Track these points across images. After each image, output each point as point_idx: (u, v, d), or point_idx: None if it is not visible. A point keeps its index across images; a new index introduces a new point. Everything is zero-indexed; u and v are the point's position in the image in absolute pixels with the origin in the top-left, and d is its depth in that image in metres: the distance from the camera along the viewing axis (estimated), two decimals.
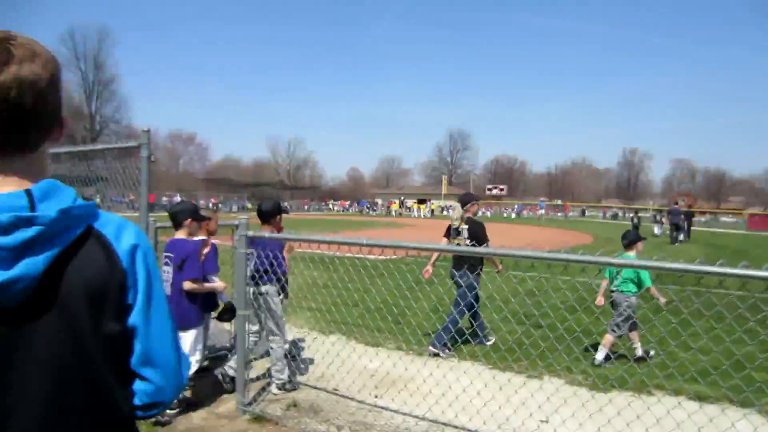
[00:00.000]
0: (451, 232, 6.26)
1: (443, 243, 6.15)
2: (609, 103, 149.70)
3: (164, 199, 57.55)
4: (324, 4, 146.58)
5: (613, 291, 5.70)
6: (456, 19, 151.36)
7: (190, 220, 4.23)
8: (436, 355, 5.72)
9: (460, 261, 5.99)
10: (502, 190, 78.18)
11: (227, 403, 4.31)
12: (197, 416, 4.15)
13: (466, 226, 6.15)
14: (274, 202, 4.87)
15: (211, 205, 60.28)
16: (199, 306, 4.16)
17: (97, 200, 5.77)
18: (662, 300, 5.46)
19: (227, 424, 4.00)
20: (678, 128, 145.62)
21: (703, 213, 66.18)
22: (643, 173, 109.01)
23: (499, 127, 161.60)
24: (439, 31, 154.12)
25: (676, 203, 25.69)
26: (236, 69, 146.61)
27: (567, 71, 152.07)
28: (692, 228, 25.93)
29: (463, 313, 5.93)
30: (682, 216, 23.31)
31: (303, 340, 6.30)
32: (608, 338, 5.56)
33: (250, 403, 4.20)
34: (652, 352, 5.68)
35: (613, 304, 5.73)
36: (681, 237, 25.06)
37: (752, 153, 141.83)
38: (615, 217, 64.97)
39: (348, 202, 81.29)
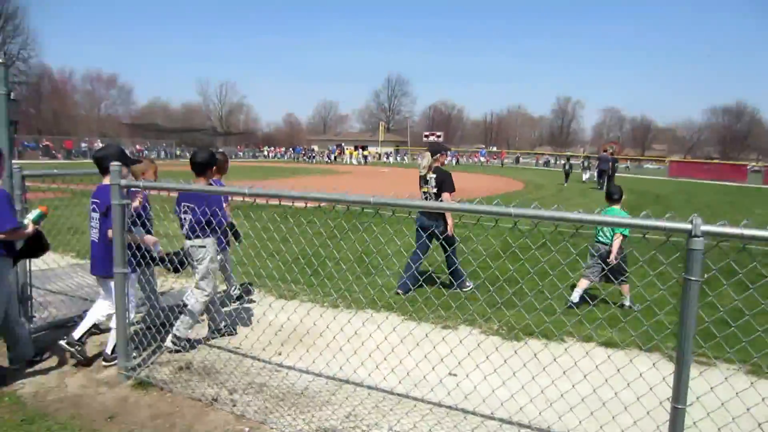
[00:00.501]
0: (420, 181, 6.35)
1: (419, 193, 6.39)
2: (545, 51, 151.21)
3: (83, 145, 54.06)
4: None
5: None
6: None
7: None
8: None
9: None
10: (439, 136, 78.19)
11: (112, 368, 3.88)
12: (74, 382, 3.71)
13: (434, 175, 6.19)
14: (209, 152, 4.51)
15: (135, 152, 57.38)
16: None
17: None
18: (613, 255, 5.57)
19: (107, 392, 3.59)
20: (609, 77, 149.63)
21: (627, 160, 69.05)
22: (575, 121, 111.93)
23: (437, 74, 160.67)
24: None
25: (605, 151, 26.48)
26: (164, 7, 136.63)
27: (505, 18, 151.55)
28: (617, 174, 26.88)
29: (419, 258, 6.13)
30: (610, 163, 24.13)
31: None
32: (582, 281, 5.73)
33: (134, 368, 3.79)
34: (637, 305, 5.69)
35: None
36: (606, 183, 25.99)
37: (676, 102, 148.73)
38: (547, 164, 66.75)
39: (284, 149, 79.30)
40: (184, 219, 4.36)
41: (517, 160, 72.01)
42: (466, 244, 8.44)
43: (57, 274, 6.43)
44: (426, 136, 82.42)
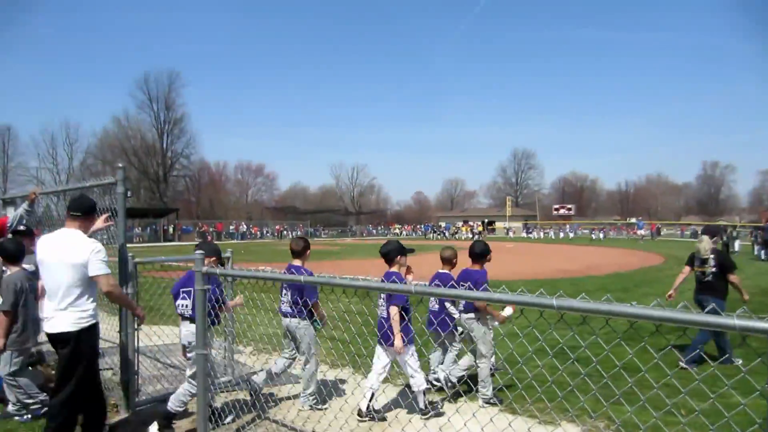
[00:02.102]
0: (695, 261, 6.86)
1: (686, 270, 7.04)
2: (686, 116, 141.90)
3: (231, 227, 59.74)
4: (381, 34, 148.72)
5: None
6: (516, 39, 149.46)
7: (399, 256, 4.89)
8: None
9: (706, 287, 6.69)
10: (570, 209, 75.44)
11: None
12: None
13: (712, 255, 6.70)
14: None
15: (275, 232, 62.03)
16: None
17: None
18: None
19: None
20: (764, 138, 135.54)
21: None
22: (725, 187, 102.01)
23: (565, 146, 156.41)
24: (500, 50, 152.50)
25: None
26: (301, 100, 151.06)
27: (636, 86, 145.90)
28: None
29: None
30: None
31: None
32: None
33: None
34: None
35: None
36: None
37: None
38: (695, 235, 60.79)
39: (411, 226, 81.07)
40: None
41: (658, 232, 66.50)
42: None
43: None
44: (556, 209, 79.88)
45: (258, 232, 62.17)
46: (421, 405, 4.68)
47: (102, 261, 3.82)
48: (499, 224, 71.73)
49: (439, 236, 62.31)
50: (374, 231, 77.54)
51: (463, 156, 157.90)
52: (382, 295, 4.83)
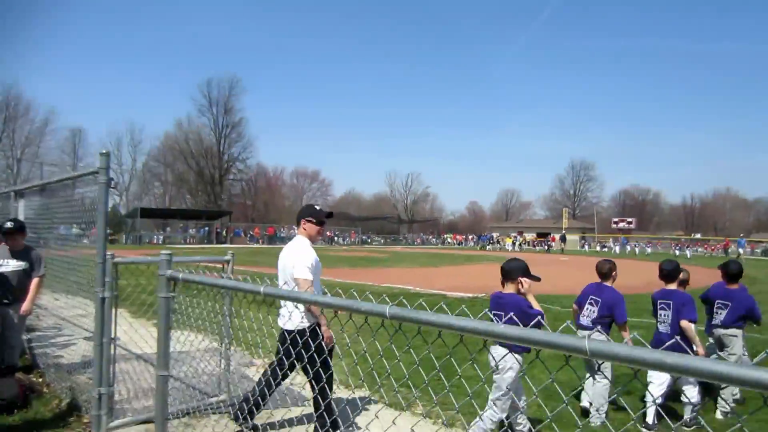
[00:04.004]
0: None
1: None
2: (756, 129, 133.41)
3: (282, 232, 60.25)
4: (441, 41, 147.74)
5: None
6: (576, 47, 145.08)
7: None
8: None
9: None
10: (630, 223, 72.05)
11: None
12: None
13: None
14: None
15: (326, 238, 62.18)
16: None
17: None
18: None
19: None
20: None
21: None
22: None
23: (627, 157, 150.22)
24: (561, 59, 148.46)
25: None
26: (360, 108, 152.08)
27: (703, 96, 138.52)
28: None
29: None
30: None
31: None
32: None
33: None
34: None
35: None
36: None
37: None
38: (766, 252, 56.68)
39: (463, 236, 79.51)
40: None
41: (725, 250, 62.26)
42: None
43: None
44: (615, 223, 76.52)
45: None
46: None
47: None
48: (570, 236, 67.27)
49: (494, 247, 60.23)
50: (426, 240, 76.49)
51: (520, 166, 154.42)
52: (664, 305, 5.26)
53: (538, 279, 4.35)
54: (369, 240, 69.42)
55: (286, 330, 4.13)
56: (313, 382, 3.82)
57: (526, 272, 4.26)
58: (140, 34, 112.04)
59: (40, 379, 5.86)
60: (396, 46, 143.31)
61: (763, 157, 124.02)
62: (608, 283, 5.45)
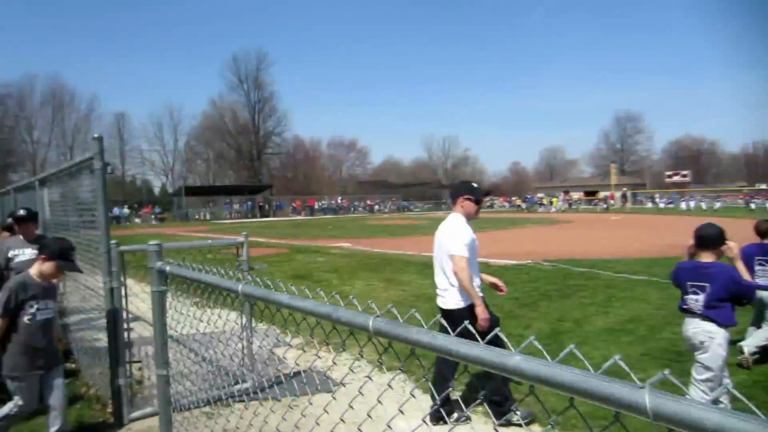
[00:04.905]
0: None
1: None
2: None
3: (323, 203, 60.54)
4: (473, 2, 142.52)
5: None
6: None
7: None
8: None
9: None
10: (685, 176, 68.83)
11: None
12: None
13: None
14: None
15: (367, 206, 62.13)
16: None
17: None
18: None
19: None
20: None
21: None
22: None
23: (677, 106, 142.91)
24: (599, 6, 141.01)
25: None
26: (391, 73, 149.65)
27: (755, 34, 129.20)
28: None
29: None
30: None
31: None
32: None
33: None
34: None
35: None
36: None
37: None
38: None
39: (507, 199, 77.91)
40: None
41: None
42: None
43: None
44: (669, 176, 73.29)
45: (351, 207, 62.48)
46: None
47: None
48: (618, 194, 63.66)
49: (546, 209, 58.18)
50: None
51: (562, 123, 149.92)
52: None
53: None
54: (410, 207, 68.98)
55: (443, 309, 4.09)
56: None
57: (723, 238, 3.82)
58: (171, 11, 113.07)
59: (73, 365, 5.81)
60: (429, 6, 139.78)
61: None
62: None
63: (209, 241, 4.78)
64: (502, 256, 13.73)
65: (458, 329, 1.23)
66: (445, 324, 1.38)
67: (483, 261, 13.42)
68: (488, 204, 74.49)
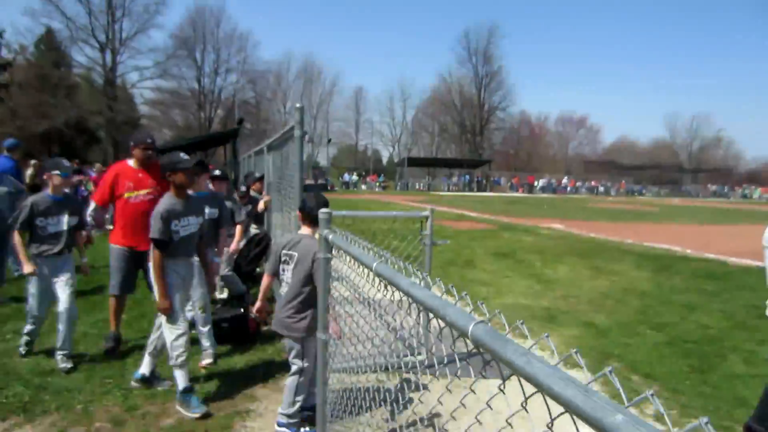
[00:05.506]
0: None
1: None
2: None
3: (542, 181, 58.42)
4: None
5: None
6: None
7: None
8: None
9: None
10: None
11: None
12: None
13: None
14: None
15: (591, 188, 58.11)
16: None
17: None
18: None
19: None
20: None
21: None
22: None
23: None
24: None
25: None
26: (632, 44, 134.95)
27: None
28: None
29: None
30: None
31: None
32: None
33: None
34: None
35: None
36: None
37: None
38: None
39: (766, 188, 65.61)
40: None
41: None
42: None
43: None
44: None
45: (572, 188, 59.14)
46: None
47: None
48: None
49: None
50: (721, 192, 65.41)
51: None
52: None
53: None
54: (642, 191, 62.55)
55: None
56: None
57: None
58: None
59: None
60: None
61: None
62: None
63: (393, 212, 4.85)
64: (742, 255, 11.57)
65: None
66: None
67: (718, 258, 11.48)
68: (743, 194, 64.03)
